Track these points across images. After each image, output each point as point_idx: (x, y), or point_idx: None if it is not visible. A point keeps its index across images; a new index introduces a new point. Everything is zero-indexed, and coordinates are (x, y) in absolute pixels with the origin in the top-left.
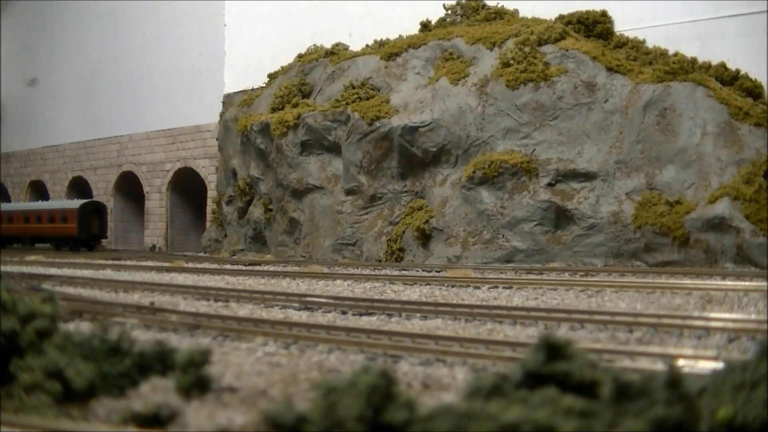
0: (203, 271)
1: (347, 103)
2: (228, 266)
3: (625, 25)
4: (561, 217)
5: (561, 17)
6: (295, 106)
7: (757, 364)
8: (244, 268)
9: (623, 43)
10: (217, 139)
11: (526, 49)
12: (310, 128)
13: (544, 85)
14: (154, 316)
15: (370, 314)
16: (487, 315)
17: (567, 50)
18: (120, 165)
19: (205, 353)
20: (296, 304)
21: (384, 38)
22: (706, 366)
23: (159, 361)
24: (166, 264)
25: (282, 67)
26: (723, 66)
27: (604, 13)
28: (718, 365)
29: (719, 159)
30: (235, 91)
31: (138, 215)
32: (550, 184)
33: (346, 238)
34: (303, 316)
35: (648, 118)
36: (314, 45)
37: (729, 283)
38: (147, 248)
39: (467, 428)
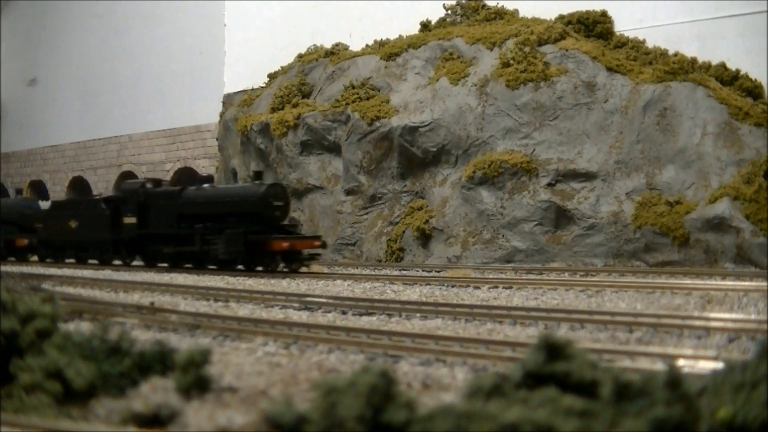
0: (203, 271)
1: (347, 103)
2: None
3: (625, 25)
4: (561, 217)
5: (561, 17)
6: (295, 106)
7: (757, 364)
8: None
9: (623, 43)
10: (217, 139)
11: (526, 49)
12: (310, 128)
13: (544, 85)
14: (154, 316)
15: (370, 314)
16: (487, 315)
17: (567, 50)
18: (120, 165)
19: (205, 353)
20: (296, 304)
21: (384, 38)
22: (706, 366)
23: (159, 361)
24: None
25: (282, 67)
26: (723, 66)
27: (604, 13)
28: (718, 365)
29: (719, 159)
30: (235, 91)
31: None
32: (550, 184)
33: (346, 238)
34: (303, 316)
35: (648, 118)
36: (314, 45)
37: (729, 283)
38: None
39: (467, 428)
